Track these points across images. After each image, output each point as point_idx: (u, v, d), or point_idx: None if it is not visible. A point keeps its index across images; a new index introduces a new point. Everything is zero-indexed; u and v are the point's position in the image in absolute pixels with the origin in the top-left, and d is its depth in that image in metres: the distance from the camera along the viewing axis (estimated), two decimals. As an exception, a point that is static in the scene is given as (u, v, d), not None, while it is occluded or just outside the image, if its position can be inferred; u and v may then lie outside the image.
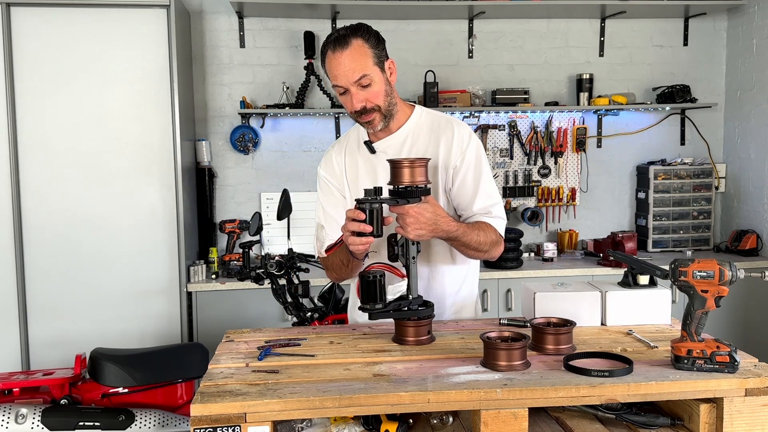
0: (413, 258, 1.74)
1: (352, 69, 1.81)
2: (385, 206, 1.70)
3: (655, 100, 4.23)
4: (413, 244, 1.74)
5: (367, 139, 1.99)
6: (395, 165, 1.72)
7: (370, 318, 1.73)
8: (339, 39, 1.82)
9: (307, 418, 1.45)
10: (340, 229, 1.79)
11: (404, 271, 1.76)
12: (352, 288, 2.13)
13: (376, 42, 1.86)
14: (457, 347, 1.65)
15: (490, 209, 1.93)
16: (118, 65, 3.42)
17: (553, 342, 1.58)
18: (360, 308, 1.72)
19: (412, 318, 1.69)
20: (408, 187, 1.71)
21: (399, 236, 1.74)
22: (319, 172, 2.08)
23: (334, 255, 1.92)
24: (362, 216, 1.66)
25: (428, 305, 1.75)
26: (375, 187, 1.70)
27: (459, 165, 1.93)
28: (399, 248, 1.74)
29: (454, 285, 2.01)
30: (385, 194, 1.75)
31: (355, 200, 1.69)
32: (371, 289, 1.68)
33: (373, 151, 1.98)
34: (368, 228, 1.66)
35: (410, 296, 1.73)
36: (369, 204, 1.67)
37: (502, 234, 1.95)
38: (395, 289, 1.78)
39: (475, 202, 1.93)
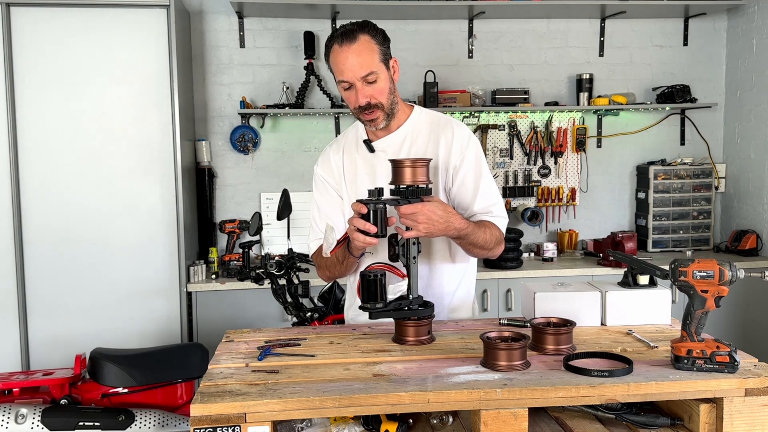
0: (414, 258, 1.74)
1: (359, 64, 1.81)
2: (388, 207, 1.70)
3: (655, 100, 4.23)
4: (414, 243, 1.74)
5: (366, 137, 1.99)
6: (397, 165, 1.72)
7: (370, 317, 1.73)
8: (346, 33, 1.82)
9: (307, 418, 1.45)
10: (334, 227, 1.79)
11: (404, 271, 1.76)
12: (348, 288, 2.13)
13: (383, 39, 1.87)
14: (457, 347, 1.65)
15: (491, 209, 1.93)
16: (118, 65, 3.42)
17: (553, 342, 1.58)
18: (360, 307, 1.72)
19: (412, 318, 1.69)
20: (409, 186, 1.71)
21: (400, 236, 1.74)
22: (315, 170, 2.08)
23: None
24: (365, 210, 1.66)
25: (428, 305, 1.75)
26: (377, 188, 1.70)
27: (459, 165, 1.93)
28: (399, 248, 1.74)
29: (452, 284, 2.01)
30: (386, 194, 1.75)
31: (358, 201, 1.70)
32: (372, 289, 1.68)
33: (372, 150, 1.97)
34: (373, 228, 1.66)
35: (410, 296, 1.73)
36: (373, 204, 1.67)
37: (504, 233, 1.96)
38: (395, 288, 1.79)
39: (476, 201, 1.93)
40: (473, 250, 1.89)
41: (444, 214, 1.71)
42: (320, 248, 1.99)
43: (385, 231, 1.70)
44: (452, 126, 1.97)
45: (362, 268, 1.79)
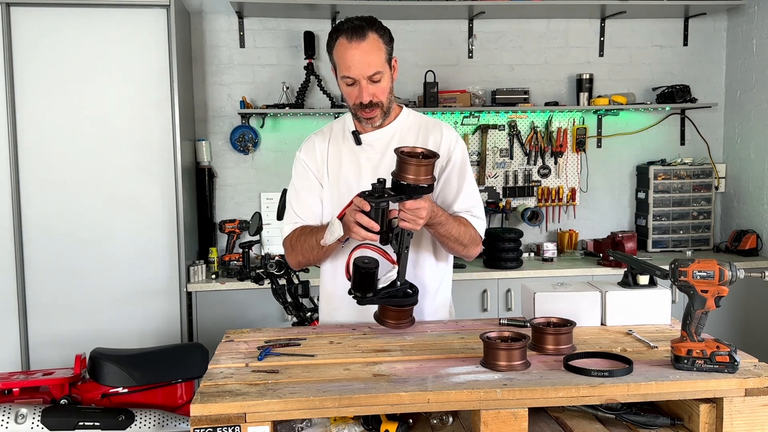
0: (407, 247, 1.76)
1: (368, 63, 1.82)
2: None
3: (655, 100, 4.23)
4: (408, 234, 1.75)
5: (354, 129, 2.00)
6: (403, 159, 1.68)
7: (359, 304, 1.75)
8: (356, 29, 1.82)
9: (307, 418, 1.45)
10: (311, 213, 1.86)
11: (395, 257, 1.77)
12: (322, 290, 2.09)
13: (389, 39, 1.89)
14: (457, 347, 1.65)
15: (471, 209, 1.97)
16: (118, 65, 3.42)
17: (553, 342, 1.59)
18: (351, 294, 1.74)
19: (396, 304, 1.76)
20: (411, 184, 1.70)
21: (395, 225, 1.73)
22: (298, 156, 2.08)
23: (308, 235, 1.92)
24: (368, 207, 1.66)
25: (414, 290, 1.78)
26: (379, 179, 1.69)
27: (445, 165, 1.97)
28: (393, 236, 1.74)
29: (434, 284, 2.03)
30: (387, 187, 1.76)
31: (359, 195, 1.69)
32: (365, 280, 1.70)
33: (359, 142, 1.99)
34: (376, 226, 1.66)
35: (398, 282, 1.75)
36: (376, 203, 1.66)
37: (482, 235, 1.98)
38: (386, 276, 1.79)
39: (457, 201, 1.96)
40: (448, 243, 1.90)
41: (429, 205, 1.75)
42: (294, 232, 1.99)
43: (386, 228, 1.70)
44: (441, 128, 2.01)
45: (347, 251, 1.79)
